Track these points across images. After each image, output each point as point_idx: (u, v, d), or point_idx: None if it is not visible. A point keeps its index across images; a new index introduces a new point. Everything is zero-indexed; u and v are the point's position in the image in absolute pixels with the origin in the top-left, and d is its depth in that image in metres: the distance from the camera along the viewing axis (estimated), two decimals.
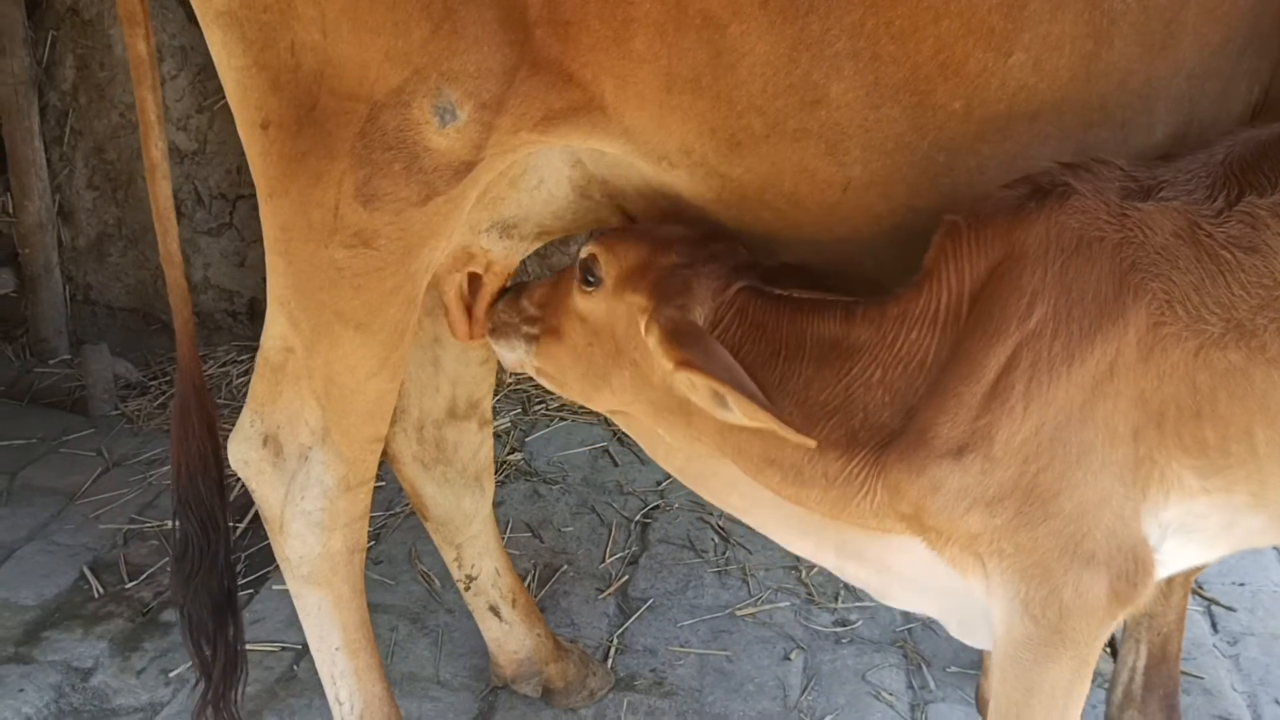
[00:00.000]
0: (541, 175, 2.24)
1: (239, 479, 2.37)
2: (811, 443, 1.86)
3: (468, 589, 2.84)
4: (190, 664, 3.04)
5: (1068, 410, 1.74)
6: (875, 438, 1.88)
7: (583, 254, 2.10)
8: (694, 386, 1.88)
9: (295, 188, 2.05)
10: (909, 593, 2.10)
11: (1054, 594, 1.78)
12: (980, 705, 2.65)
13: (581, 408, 4.41)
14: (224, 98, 4.78)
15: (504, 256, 2.38)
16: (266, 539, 3.58)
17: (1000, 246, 1.82)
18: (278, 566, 3.48)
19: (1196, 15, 1.98)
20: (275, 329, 2.28)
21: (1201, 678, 3.09)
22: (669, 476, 4.00)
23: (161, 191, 2.38)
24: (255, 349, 4.91)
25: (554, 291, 2.22)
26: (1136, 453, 1.76)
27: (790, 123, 1.96)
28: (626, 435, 4.22)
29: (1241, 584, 3.56)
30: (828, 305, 1.98)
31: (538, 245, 2.43)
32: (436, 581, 3.45)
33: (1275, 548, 3.73)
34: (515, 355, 2.30)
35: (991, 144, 1.97)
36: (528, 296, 2.28)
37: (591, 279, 2.07)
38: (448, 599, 3.39)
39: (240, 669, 2.51)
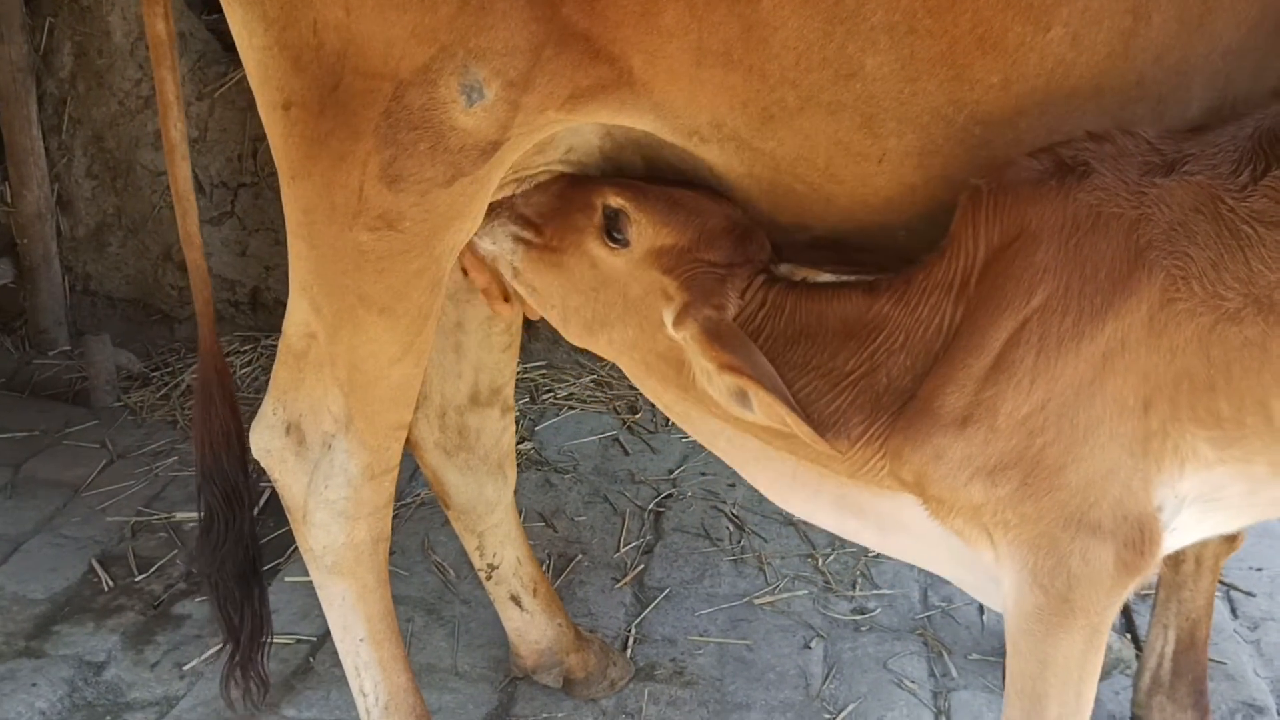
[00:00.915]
0: (570, 143, 2.19)
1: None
2: (840, 454, 1.92)
3: (489, 578, 2.81)
4: (204, 657, 3.05)
5: (1076, 386, 1.77)
6: (897, 403, 1.91)
7: (611, 203, 2.06)
8: (716, 385, 1.93)
9: (318, 170, 2.02)
10: (915, 548, 2.12)
11: (1061, 563, 1.81)
12: (1005, 679, 2.62)
13: (591, 397, 4.39)
14: (224, 84, 4.77)
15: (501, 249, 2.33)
16: (276, 531, 3.62)
17: (1016, 220, 1.84)
18: (289, 558, 3.50)
19: None
20: (297, 315, 2.24)
21: (1224, 663, 3.08)
22: (681, 465, 4.00)
23: (181, 173, 2.34)
24: (257, 339, 4.94)
25: (560, 209, 2.15)
26: (1148, 426, 1.77)
27: (824, 96, 1.94)
28: (637, 424, 4.23)
29: (1259, 569, 3.55)
30: (849, 285, 2.02)
31: None
32: (451, 572, 3.42)
33: None
34: (494, 249, 2.22)
35: (1029, 118, 1.95)
36: (524, 195, 2.20)
37: (618, 236, 2.05)
38: (463, 589, 3.36)
39: (266, 633, 2.52)
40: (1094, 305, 1.75)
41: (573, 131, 2.15)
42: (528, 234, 2.17)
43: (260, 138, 4.66)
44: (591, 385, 4.43)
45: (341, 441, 2.26)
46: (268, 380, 4.49)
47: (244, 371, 4.65)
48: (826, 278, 2.09)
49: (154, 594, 3.36)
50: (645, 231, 2.04)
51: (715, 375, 1.93)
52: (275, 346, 4.76)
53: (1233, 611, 3.35)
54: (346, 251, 2.07)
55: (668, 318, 2.00)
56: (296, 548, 3.49)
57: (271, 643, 2.54)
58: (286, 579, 3.41)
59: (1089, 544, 1.78)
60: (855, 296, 1.98)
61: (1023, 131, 1.95)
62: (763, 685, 2.99)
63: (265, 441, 2.32)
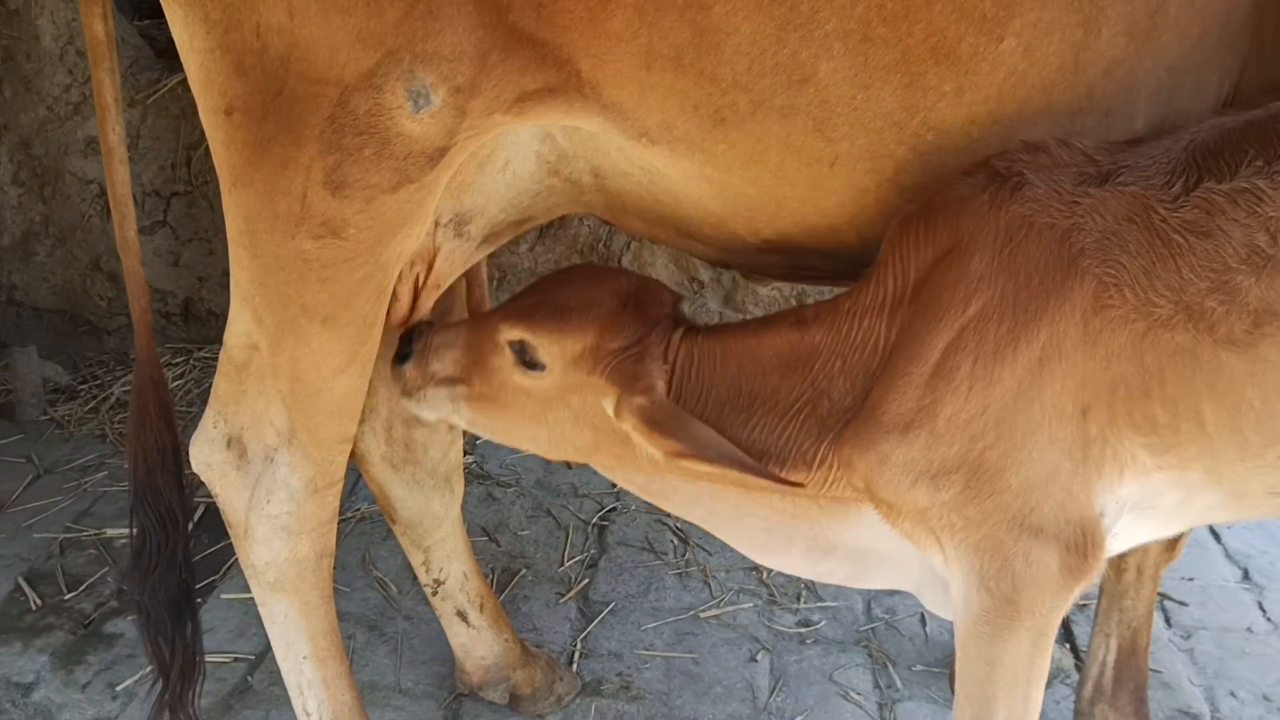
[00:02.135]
0: (508, 156, 2.17)
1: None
2: (801, 486, 1.96)
3: (435, 593, 2.76)
4: (138, 677, 2.97)
5: (1013, 390, 1.80)
6: (840, 421, 1.95)
7: (509, 336, 2.09)
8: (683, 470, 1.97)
9: (260, 176, 1.97)
10: (885, 571, 2.15)
11: (1006, 565, 1.84)
12: (952, 683, 2.63)
13: None
14: (156, 91, 4.67)
15: (449, 263, 2.30)
16: (212, 546, 3.54)
17: (949, 234, 1.87)
18: (225, 575, 3.42)
19: (1178, 8, 2.00)
20: (239, 325, 2.19)
21: (1160, 671, 3.12)
22: None
23: (119, 177, 2.28)
24: (190, 351, 4.83)
25: (474, 357, 2.18)
26: (1087, 431, 1.81)
27: (777, 100, 1.94)
28: None
29: (1191, 579, 3.61)
30: (776, 318, 2.07)
31: (485, 251, 2.35)
32: (393, 588, 3.37)
33: (1220, 542, 3.79)
34: (436, 415, 2.28)
35: (981, 126, 1.97)
36: (437, 359, 2.23)
37: (533, 363, 2.08)
38: (405, 605, 3.30)
39: (199, 669, 2.43)
40: (1028, 312, 1.78)
41: (511, 141, 2.13)
42: (460, 390, 2.20)
43: (194, 145, 4.58)
44: None
45: (284, 455, 2.21)
46: (201, 394, 4.43)
47: (176, 385, 4.55)
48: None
49: (84, 612, 3.27)
50: (553, 350, 2.06)
51: (663, 460, 1.95)
52: (209, 359, 4.73)
53: (1166, 621, 3.40)
54: (289, 260, 2.03)
55: (609, 412, 2.02)
56: (232, 564, 3.45)
57: (204, 678, 2.46)
58: (223, 596, 3.34)
59: (1032, 546, 1.81)
60: (785, 330, 2.01)
61: (975, 139, 1.97)
62: (710, 699, 2.97)
63: (205, 455, 2.26)
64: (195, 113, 4.52)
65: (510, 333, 2.09)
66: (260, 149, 1.95)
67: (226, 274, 4.82)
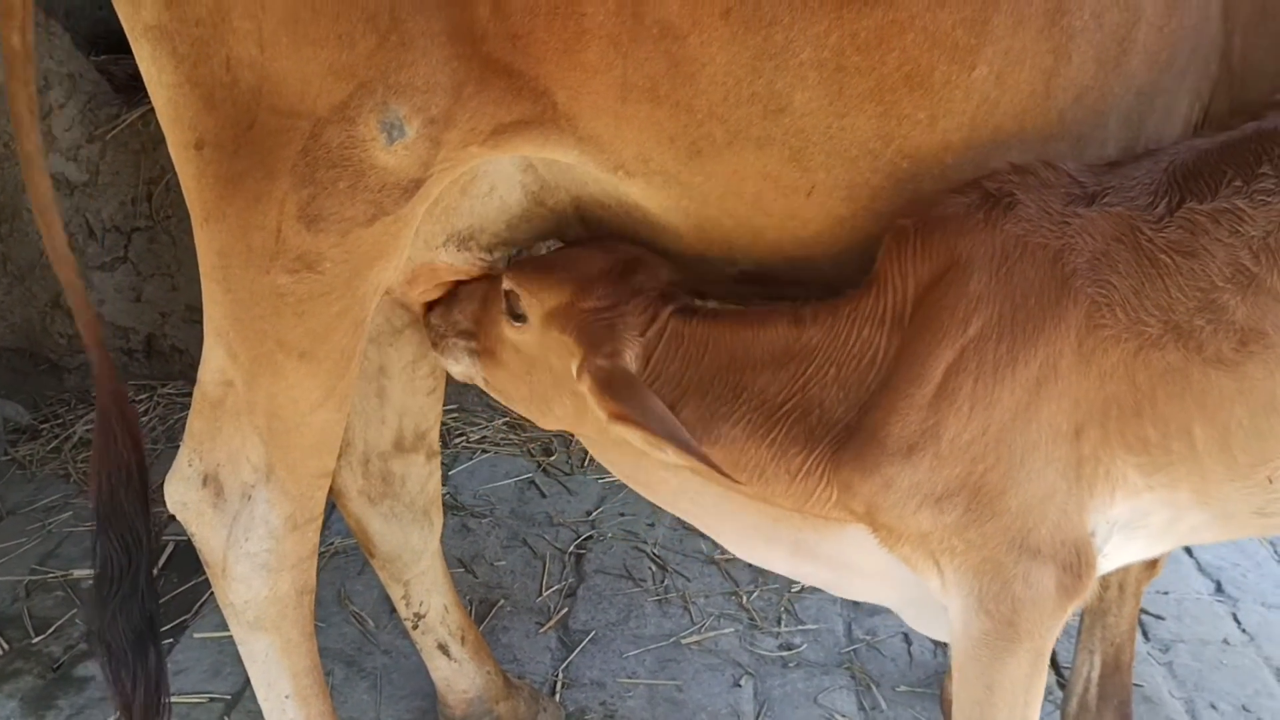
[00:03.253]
0: (493, 182, 2.17)
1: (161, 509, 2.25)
2: (741, 483, 1.94)
3: (415, 627, 2.73)
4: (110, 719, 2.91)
5: (1012, 411, 1.80)
6: (831, 433, 1.93)
7: (505, 285, 2.09)
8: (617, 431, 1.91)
9: (233, 211, 1.95)
10: (867, 584, 2.14)
11: (1006, 588, 1.83)
12: (944, 707, 2.66)
13: (504, 440, 4.34)
14: (115, 126, 4.63)
15: (469, 268, 2.30)
16: (182, 585, 3.49)
17: (946, 253, 1.87)
18: (197, 613, 3.37)
19: (1146, 33, 2.02)
20: (213, 362, 2.16)
21: (1141, 685, 3.14)
22: (599, 505, 3.96)
23: (40, 186, 2.23)
24: (154, 388, 4.77)
25: (484, 310, 2.19)
26: (1080, 451, 1.81)
27: (753, 130, 1.94)
28: (552, 466, 4.18)
29: (1166, 593, 3.64)
30: (774, 311, 2.03)
31: (500, 255, 2.35)
32: (370, 622, 3.33)
33: (1192, 555, 3.83)
34: (461, 368, 2.29)
35: (955, 153, 1.98)
36: (459, 309, 2.25)
37: (517, 315, 2.08)
38: (383, 640, 3.27)
39: (165, 709, 2.36)
40: (1026, 332, 1.79)
41: (495, 169, 2.13)
42: (474, 343, 2.21)
43: (154, 180, 4.54)
44: (504, 428, 4.37)
45: (262, 492, 2.19)
46: (166, 430, 4.37)
47: (141, 422, 4.48)
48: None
49: (53, 656, 3.21)
50: (531, 302, 2.06)
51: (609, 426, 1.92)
52: (173, 395, 4.67)
53: (1145, 635, 3.42)
54: (264, 295, 2.00)
55: (573, 370, 2.00)
56: (204, 602, 3.41)
57: (170, 717, 2.39)
58: (195, 635, 3.29)
59: (1031, 568, 1.81)
60: (782, 326, 1.98)
61: (949, 167, 1.98)
62: None
63: (181, 494, 2.23)
64: (155, 148, 4.50)
65: (505, 281, 2.09)
66: (232, 183, 1.92)
67: (189, 309, 4.80)
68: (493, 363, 2.19)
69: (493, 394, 2.28)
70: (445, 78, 1.85)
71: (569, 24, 1.84)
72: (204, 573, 3.46)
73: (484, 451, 4.29)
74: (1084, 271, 1.80)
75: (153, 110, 4.52)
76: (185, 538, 3.68)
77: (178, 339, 4.73)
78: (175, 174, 4.67)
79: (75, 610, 3.39)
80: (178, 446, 3.96)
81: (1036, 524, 1.81)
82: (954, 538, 1.83)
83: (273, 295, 2.00)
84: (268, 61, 1.82)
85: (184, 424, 4.38)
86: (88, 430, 4.40)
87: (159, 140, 4.40)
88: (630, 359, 1.99)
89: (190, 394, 4.62)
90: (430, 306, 2.31)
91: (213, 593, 3.38)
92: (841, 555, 2.08)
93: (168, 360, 4.75)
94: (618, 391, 1.90)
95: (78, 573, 3.56)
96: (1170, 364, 1.77)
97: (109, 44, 4.80)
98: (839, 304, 1.96)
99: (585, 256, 2.12)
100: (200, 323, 4.80)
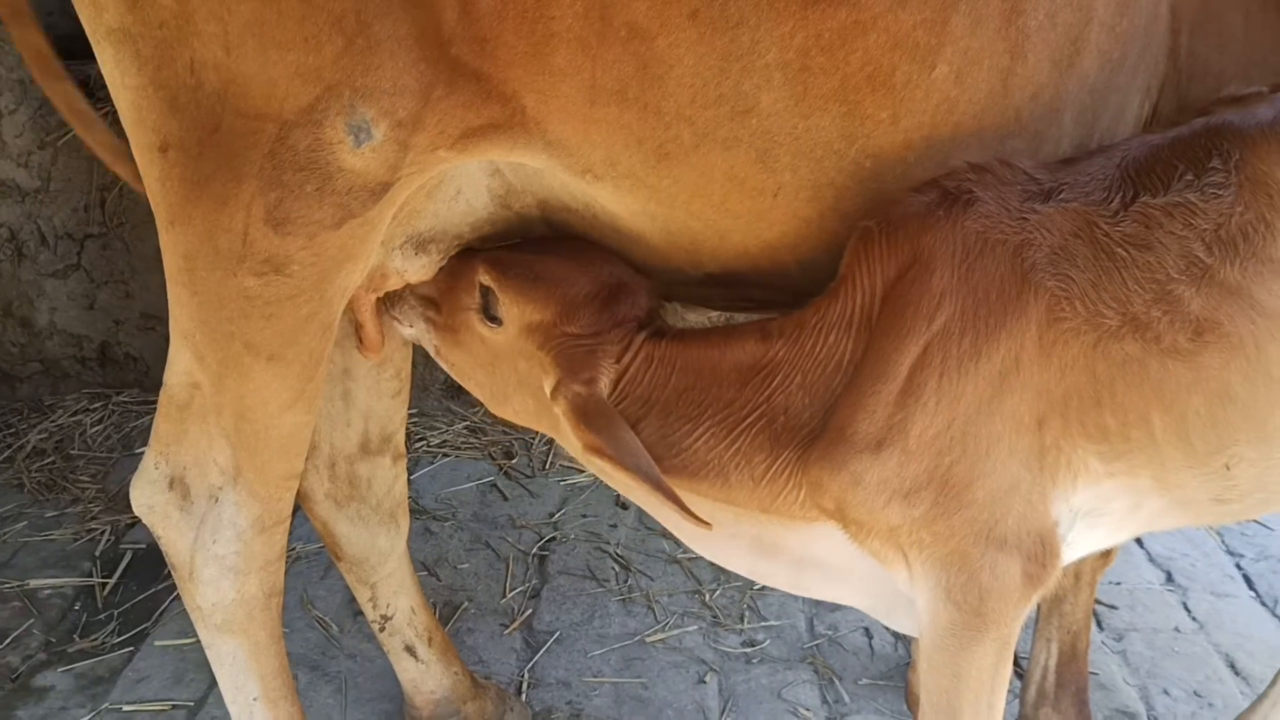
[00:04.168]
0: (459, 186, 2.17)
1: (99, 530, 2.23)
2: (708, 527, 1.95)
3: (382, 629, 2.73)
4: None
5: (977, 404, 1.83)
6: (797, 438, 1.95)
7: (483, 279, 2.09)
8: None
9: (199, 213, 1.94)
10: (828, 583, 2.15)
11: (973, 578, 1.86)
12: (910, 700, 2.69)
13: (465, 444, 4.34)
14: (68, 132, 4.60)
15: (420, 275, 2.31)
16: (141, 594, 3.46)
17: (909, 250, 1.90)
18: (157, 622, 3.35)
19: (1099, 33, 2.08)
20: (179, 365, 2.15)
21: (1096, 673, 3.20)
22: (561, 508, 3.98)
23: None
24: (108, 396, 4.72)
25: (450, 286, 2.18)
26: (1043, 441, 1.85)
27: (720, 132, 1.96)
28: (514, 470, 4.19)
29: (1119, 583, 3.72)
30: (743, 329, 2.06)
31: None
32: (334, 626, 3.32)
33: (1143, 546, 3.91)
34: (413, 331, 2.29)
35: (917, 151, 2.02)
36: None
37: (493, 315, 2.09)
38: (347, 644, 3.26)
39: None
40: (988, 326, 1.82)
41: (462, 172, 2.14)
42: (431, 313, 2.21)
43: (107, 187, 4.49)
44: (465, 432, 4.37)
45: (230, 494, 2.18)
46: (122, 438, 4.33)
47: (94, 431, 4.44)
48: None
49: (11, 666, 3.17)
50: (512, 310, 2.07)
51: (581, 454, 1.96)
52: (128, 403, 4.63)
53: (1099, 625, 3.49)
54: (231, 297, 2.00)
55: (547, 388, 2.03)
56: (164, 610, 3.38)
57: None
58: (156, 643, 3.27)
59: (997, 558, 1.84)
60: (749, 344, 2.01)
61: (911, 165, 2.02)
62: None
63: (147, 497, 2.22)
64: None
65: (485, 276, 2.09)
66: (198, 186, 1.92)
67: (144, 316, 4.76)
68: (452, 341, 2.20)
69: (442, 364, 2.29)
70: (413, 81, 1.85)
71: (537, 27, 1.85)
72: (164, 581, 3.50)
73: (445, 455, 4.28)
74: (1043, 266, 1.83)
75: (105, 116, 4.47)
76: (143, 545, 3.69)
77: (132, 346, 4.68)
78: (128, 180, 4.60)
79: (32, 620, 3.35)
80: (134, 454, 3.94)
81: (1002, 515, 1.84)
82: (922, 530, 1.86)
83: (240, 298, 1.99)
84: (233, 64, 1.81)
85: (140, 432, 4.36)
86: (41, 439, 4.36)
87: None
88: (603, 386, 2.02)
89: (146, 401, 4.59)
90: None
91: (173, 600, 3.40)
92: (804, 552, 2.10)
93: (122, 368, 4.70)
94: (593, 421, 1.94)
95: (34, 583, 3.52)
96: (1128, 354, 1.82)
97: (59, 50, 4.75)
98: (804, 314, 1.99)
99: (570, 275, 2.11)
100: (155, 329, 4.78)
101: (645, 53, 1.89)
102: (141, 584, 3.54)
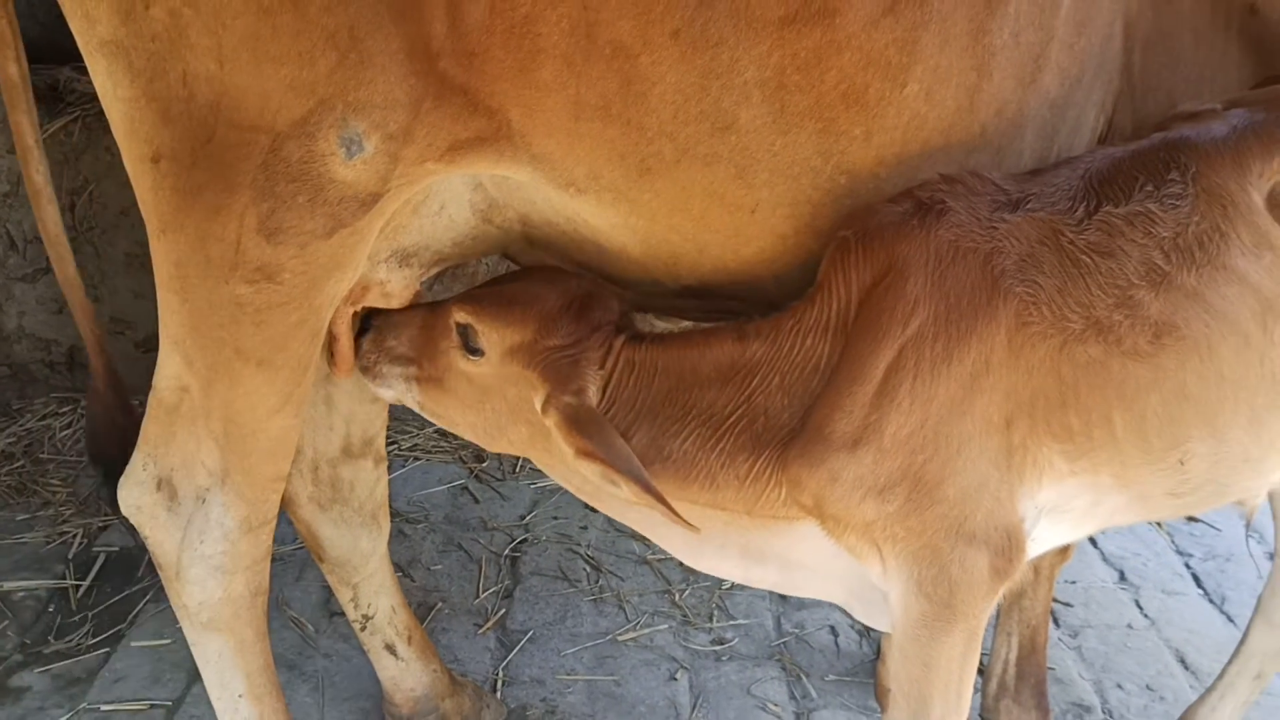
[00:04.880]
0: (443, 201, 2.23)
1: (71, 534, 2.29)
2: (697, 530, 2.02)
3: (363, 629, 2.78)
4: None
5: (949, 405, 1.91)
6: (777, 437, 2.02)
7: (458, 318, 2.14)
8: (582, 468, 2.00)
9: (191, 222, 1.98)
10: (815, 581, 2.23)
11: (943, 572, 1.94)
12: (879, 693, 2.77)
13: (435, 448, 4.39)
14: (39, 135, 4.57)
15: (402, 287, 2.37)
16: (115, 596, 3.48)
17: (885, 258, 1.98)
18: (133, 623, 3.37)
19: (1058, 51, 2.17)
20: (169, 369, 2.19)
21: (1053, 668, 3.30)
22: (532, 510, 4.04)
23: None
24: (76, 400, 4.72)
25: (426, 337, 2.22)
26: (1010, 441, 1.93)
27: (701, 148, 2.03)
28: (484, 473, 4.24)
29: (1074, 582, 3.83)
30: (719, 331, 2.12)
31: (434, 272, 2.43)
32: (309, 627, 3.36)
33: (1097, 546, 4.03)
34: (394, 393, 2.31)
35: (888, 167, 2.10)
36: (394, 335, 2.28)
37: (474, 348, 2.13)
38: (323, 644, 3.31)
39: None
40: (960, 331, 1.90)
41: (445, 187, 2.19)
42: (412, 369, 2.24)
43: (78, 191, 4.49)
44: (435, 436, 4.41)
45: (217, 495, 2.22)
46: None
47: (64, 435, 4.44)
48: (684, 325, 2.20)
49: None
50: (492, 338, 2.11)
51: (574, 461, 2.00)
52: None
53: (1055, 622, 3.60)
54: (223, 304, 2.04)
55: (538, 407, 2.07)
56: (140, 612, 3.40)
57: None
58: (133, 644, 3.29)
59: (967, 553, 1.92)
60: (727, 345, 2.07)
61: (883, 180, 2.10)
62: (634, 718, 3.05)
63: (135, 498, 2.26)
64: (78, 158, 4.47)
65: (458, 315, 2.13)
66: (190, 196, 1.96)
67: (113, 321, 4.76)
68: (437, 390, 2.23)
69: (428, 417, 2.32)
70: (403, 95, 1.90)
71: (524, 43, 1.90)
72: (138, 583, 3.53)
73: (416, 459, 4.33)
74: (1012, 272, 1.92)
75: (74, 121, 4.47)
76: (116, 549, 3.71)
77: (118, 350, 4.68)
78: (98, 185, 4.64)
79: (7, 622, 3.36)
80: None
81: (972, 511, 1.92)
82: (896, 525, 1.94)
83: (231, 305, 2.03)
84: (227, 77, 1.85)
85: None
86: (10, 443, 4.35)
87: (81, 151, 4.37)
88: (592, 394, 2.07)
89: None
90: (359, 333, 2.33)
91: (149, 602, 3.42)
92: (790, 554, 2.16)
93: (91, 372, 4.70)
94: (584, 428, 1.99)
95: (7, 585, 3.52)
96: (1092, 357, 1.91)
97: (28, 55, 4.75)
98: (782, 318, 2.06)
99: (540, 293, 2.16)
100: (124, 334, 4.79)
101: (629, 70, 1.95)
102: (115, 586, 3.56)
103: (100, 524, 3.84)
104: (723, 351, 2.07)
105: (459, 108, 1.96)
